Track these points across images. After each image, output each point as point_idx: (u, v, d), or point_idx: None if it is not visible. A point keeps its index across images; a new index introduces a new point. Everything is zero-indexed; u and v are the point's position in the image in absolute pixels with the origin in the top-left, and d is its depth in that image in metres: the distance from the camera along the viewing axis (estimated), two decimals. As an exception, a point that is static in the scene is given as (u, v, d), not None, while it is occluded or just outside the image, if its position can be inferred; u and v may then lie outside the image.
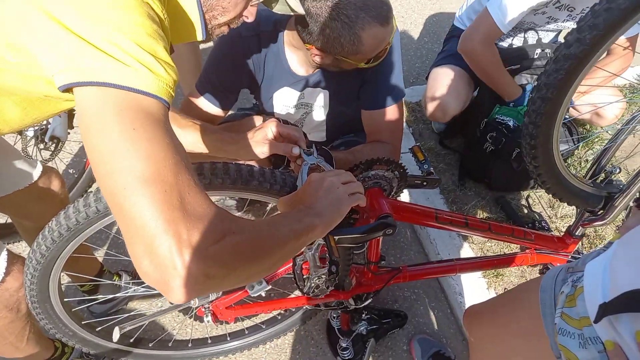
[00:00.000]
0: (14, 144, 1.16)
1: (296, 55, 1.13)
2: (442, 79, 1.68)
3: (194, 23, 0.73)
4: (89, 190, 1.70)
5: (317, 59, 1.04)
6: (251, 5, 0.80)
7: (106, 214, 0.82)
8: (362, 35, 0.95)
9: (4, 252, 0.92)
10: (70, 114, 1.43)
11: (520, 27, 1.64)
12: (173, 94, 0.57)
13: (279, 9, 0.88)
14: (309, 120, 1.32)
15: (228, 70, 1.14)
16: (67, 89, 0.52)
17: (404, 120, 2.01)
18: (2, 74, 0.60)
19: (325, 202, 0.72)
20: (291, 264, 1.08)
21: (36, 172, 1.11)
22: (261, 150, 0.92)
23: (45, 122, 1.35)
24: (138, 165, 0.47)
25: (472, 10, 1.71)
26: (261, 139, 0.92)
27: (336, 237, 0.87)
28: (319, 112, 1.29)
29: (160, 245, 0.46)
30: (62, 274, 0.95)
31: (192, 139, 0.97)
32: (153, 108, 0.52)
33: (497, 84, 1.59)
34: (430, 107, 1.70)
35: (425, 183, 1.09)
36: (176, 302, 0.50)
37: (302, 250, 1.00)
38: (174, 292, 0.47)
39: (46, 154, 1.42)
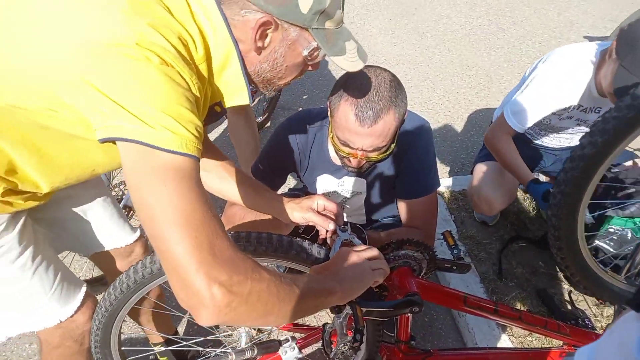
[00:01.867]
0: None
1: None
2: (487, 174, 1.77)
3: (242, 89, 0.80)
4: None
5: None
6: (312, 64, 0.85)
7: (159, 276, 0.95)
8: (339, 104, 1.09)
9: (83, 289, 1.05)
10: None
11: (553, 130, 1.73)
12: (199, 147, 0.64)
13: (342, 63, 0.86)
14: (349, 205, 1.45)
15: (278, 157, 1.32)
16: (105, 142, 0.62)
17: (447, 207, 2.10)
18: (64, 124, 0.71)
19: (349, 272, 0.82)
20: (321, 332, 1.14)
21: (134, 236, 1.22)
22: (301, 215, 1.03)
23: (121, 192, 1.56)
24: (170, 217, 0.58)
25: (500, 109, 1.84)
26: (306, 206, 1.03)
27: (364, 309, 0.95)
28: (358, 198, 1.41)
29: (193, 283, 0.58)
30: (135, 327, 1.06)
31: (230, 187, 1.08)
32: (179, 163, 0.61)
33: (511, 171, 1.65)
34: (477, 200, 1.78)
35: (454, 267, 1.15)
36: (204, 325, 0.62)
37: (332, 319, 1.08)
38: (202, 318, 0.60)
39: None
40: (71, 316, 1.03)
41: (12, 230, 0.87)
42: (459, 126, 2.81)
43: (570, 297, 1.67)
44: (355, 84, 1.08)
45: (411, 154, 1.25)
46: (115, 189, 1.82)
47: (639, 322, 0.51)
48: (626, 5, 4.18)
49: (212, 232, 0.61)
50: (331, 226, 1.02)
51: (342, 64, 0.81)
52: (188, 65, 0.65)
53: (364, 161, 1.15)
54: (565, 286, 1.78)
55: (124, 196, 1.56)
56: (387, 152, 1.15)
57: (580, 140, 0.94)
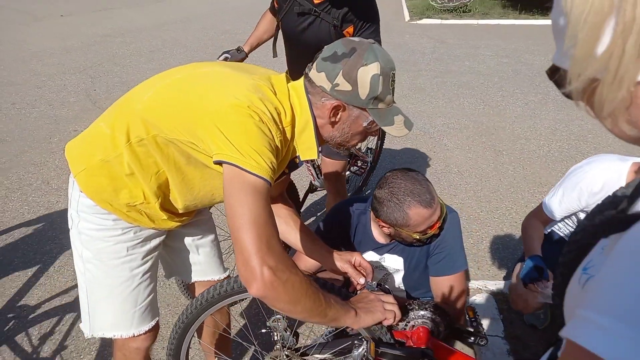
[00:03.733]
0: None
1: (378, 228, 1.56)
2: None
3: (313, 148, 1.12)
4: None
5: (384, 229, 1.45)
6: (371, 132, 1.15)
7: (234, 294, 1.25)
8: (409, 213, 1.35)
9: (157, 318, 1.36)
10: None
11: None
12: (272, 176, 0.95)
13: (392, 131, 1.12)
14: (390, 282, 1.67)
15: (330, 235, 1.63)
16: (218, 163, 0.96)
17: (497, 306, 2.18)
18: (199, 154, 1.05)
19: (364, 303, 1.06)
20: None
21: (225, 274, 1.55)
22: (340, 264, 1.31)
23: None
24: (246, 216, 0.90)
25: None
26: (346, 259, 1.31)
27: (379, 349, 1.15)
28: (397, 275, 1.63)
29: (251, 261, 0.88)
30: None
31: (292, 233, 1.35)
32: (257, 182, 0.92)
33: (525, 248, 1.75)
34: (514, 297, 1.87)
35: (472, 338, 1.31)
36: (253, 295, 0.90)
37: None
38: (252, 289, 0.89)
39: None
40: (136, 335, 1.29)
41: (146, 246, 1.26)
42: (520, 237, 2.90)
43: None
44: (400, 194, 1.37)
45: (443, 236, 1.48)
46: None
47: None
48: None
49: (270, 233, 0.92)
50: (362, 280, 1.27)
51: (390, 131, 1.11)
52: (276, 126, 1.01)
53: (439, 224, 1.41)
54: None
55: None
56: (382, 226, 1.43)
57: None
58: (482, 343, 1.30)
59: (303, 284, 0.94)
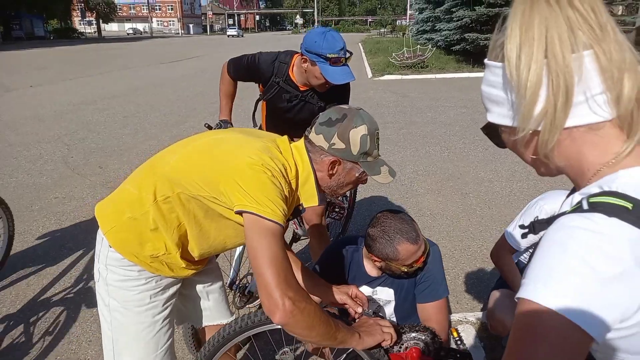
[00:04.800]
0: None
1: (371, 263, 1.76)
2: (499, 298, 2.08)
3: (314, 196, 1.31)
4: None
5: (376, 263, 1.65)
6: (362, 181, 1.34)
7: (258, 326, 1.35)
8: (398, 248, 1.56)
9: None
10: None
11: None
12: (285, 221, 1.11)
13: (379, 179, 1.33)
14: (382, 313, 1.84)
15: (327, 270, 1.81)
16: (239, 213, 1.14)
17: (477, 335, 2.35)
18: (219, 207, 1.21)
19: (365, 328, 1.24)
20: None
21: (232, 317, 1.66)
22: (339, 297, 1.47)
23: (246, 281, 2.07)
24: (266, 255, 1.07)
25: None
26: (343, 291, 1.48)
27: (379, 369, 1.31)
28: (389, 306, 1.81)
29: (273, 294, 1.04)
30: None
31: (295, 273, 1.47)
32: (273, 227, 1.08)
33: (509, 283, 1.96)
34: (492, 322, 2.06)
35: (458, 355, 1.48)
36: (276, 322, 1.05)
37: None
38: (276, 318, 1.04)
39: (240, 303, 2.16)
40: None
41: (166, 293, 1.40)
42: (495, 270, 3.13)
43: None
44: (390, 232, 1.57)
45: (427, 267, 1.68)
46: (243, 280, 2.38)
47: None
48: None
49: (287, 268, 1.10)
50: (359, 309, 1.45)
51: (378, 179, 1.33)
52: (284, 179, 1.20)
53: (424, 258, 1.61)
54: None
55: (247, 284, 2.14)
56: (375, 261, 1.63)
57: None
58: (467, 359, 1.48)
59: (317, 311, 1.11)
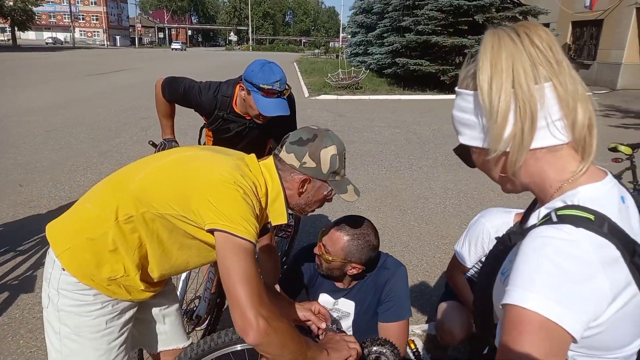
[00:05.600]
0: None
1: (341, 279, 1.78)
2: (447, 310, 2.20)
3: (283, 214, 1.31)
4: None
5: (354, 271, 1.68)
6: (328, 199, 1.38)
7: (227, 346, 1.32)
8: (330, 232, 1.66)
9: None
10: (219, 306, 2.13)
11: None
12: (257, 238, 1.11)
13: (346, 197, 1.37)
14: (339, 326, 1.87)
15: (293, 277, 1.84)
16: (210, 231, 1.12)
17: (424, 346, 2.45)
18: (187, 225, 1.18)
19: (331, 345, 1.27)
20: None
21: (188, 342, 1.60)
22: (302, 314, 1.48)
23: (194, 306, 1.99)
24: (239, 273, 1.06)
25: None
26: (306, 307, 1.49)
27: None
28: (347, 320, 1.85)
29: (247, 313, 1.03)
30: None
31: None
32: (246, 244, 1.08)
33: (465, 302, 2.10)
34: (441, 333, 2.17)
35: (416, 365, 1.54)
36: (250, 342, 1.04)
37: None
38: (250, 338, 1.03)
39: (188, 327, 2.06)
40: None
41: (122, 318, 1.33)
42: (434, 283, 3.29)
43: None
44: (350, 218, 1.65)
45: (391, 285, 1.73)
46: (190, 304, 2.31)
47: None
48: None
49: (260, 287, 1.09)
50: (323, 325, 1.47)
51: (345, 197, 1.37)
52: (255, 197, 1.20)
53: (322, 255, 1.65)
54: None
55: (195, 308, 2.07)
56: (331, 261, 1.65)
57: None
58: (425, 370, 1.54)
59: (289, 329, 1.11)
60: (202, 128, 2.69)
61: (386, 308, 1.73)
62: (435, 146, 7.38)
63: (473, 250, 2.10)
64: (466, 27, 12.91)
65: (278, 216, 1.32)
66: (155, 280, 1.36)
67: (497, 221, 2.08)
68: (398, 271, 1.75)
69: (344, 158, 1.35)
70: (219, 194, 1.14)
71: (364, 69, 16.03)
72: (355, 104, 12.23)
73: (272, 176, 1.31)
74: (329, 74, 15.43)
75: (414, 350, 1.57)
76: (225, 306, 2.42)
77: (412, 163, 6.35)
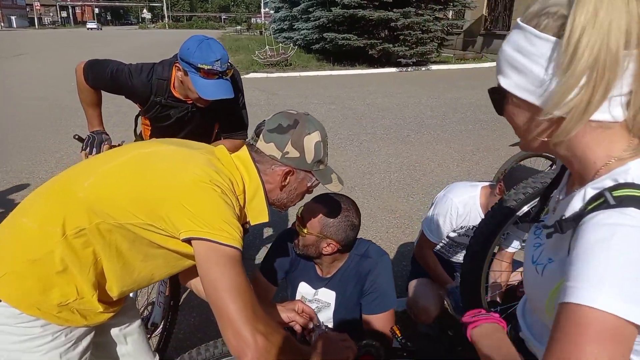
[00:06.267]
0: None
1: (320, 262, 1.67)
2: (419, 288, 2.18)
3: (264, 212, 1.17)
4: None
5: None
6: (310, 191, 1.27)
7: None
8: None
9: None
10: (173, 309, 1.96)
11: (457, 246, 2.26)
12: (242, 243, 0.98)
13: (331, 187, 1.25)
14: (321, 315, 1.77)
15: (273, 262, 1.71)
16: (187, 241, 0.96)
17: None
18: (154, 235, 1.02)
19: (330, 348, 1.16)
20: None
21: (156, 359, 1.44)
22: (286, 315, 1.37)
23: (147, 313, 1.78)
24: (229, 287, 0.92)
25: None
26: (290, 308, 1.38)
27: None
28: (327, 311, 1.75)
29: (242, 332, 0.90)
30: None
31: None
32: (233, 254, 0.95)
33: (437, 279, 2.12)
34: (416, 312, 2.15)
35: (405, 354, 1.49)
36: None
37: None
38: (247, 358, 0.90)
39: None
40: None
41: (79, 347, 1.13)
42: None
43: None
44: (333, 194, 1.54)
45: (375, 275, 1.64)
46: (143, 311, 2.13)
47: None
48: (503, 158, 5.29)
49: (253, 298, 0.96)
50: (310, 324, 1.36)
51: (330, 187, 1.25)
52: (234, 196, 1.05)
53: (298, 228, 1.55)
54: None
55: (149, 315, 1.88)
56: (303, 232, 1.55)
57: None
58: (413, 356, 1.49)
59: (288, 341, 1.00)
60: (137, 117, 2.41)
61: (370, 299, 1.64)
62: (372, 120, 7.42)
63: (442, 226, 2.08)
64: (391, 0, 13.00)
65: (258, 214, 1.18)
66: (114, 299, 1.17)
67: (465, 196, 2.07)
68: (381, 260, 1.67)
69: (327, 144, 1.22)
70: (195, 197, 0.97)
71: (292, 45, 15.72)
72: (286, 82, 11.99)
73: (248, 170, 1.15)
74: (256, 52, 14.96)
75: (400, 338, 1.51)
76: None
77: (352, 139, 6.33)
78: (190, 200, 0.97)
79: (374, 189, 4.56)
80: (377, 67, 13.70)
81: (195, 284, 1.41)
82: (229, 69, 1.98)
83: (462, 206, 2.04)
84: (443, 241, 2.27)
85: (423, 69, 13.88)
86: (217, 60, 1.90)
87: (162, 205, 0.99)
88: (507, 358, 0.87)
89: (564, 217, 0.69)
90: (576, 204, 0.70)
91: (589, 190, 0.68)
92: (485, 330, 0.96)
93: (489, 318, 0.98)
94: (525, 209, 1.40)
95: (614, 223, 0.60)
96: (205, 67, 1.88)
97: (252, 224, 1.20)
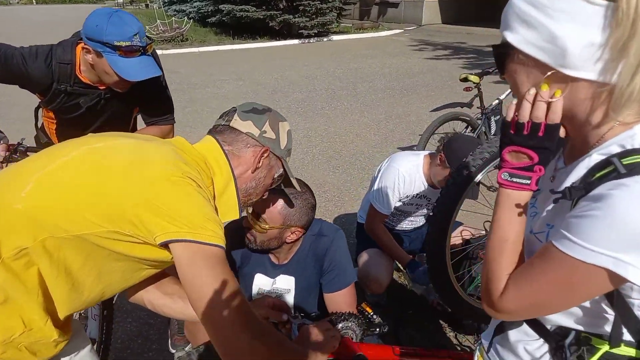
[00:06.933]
0: None
1: (278, 251, 1.59)
2: (370, 258, 2.20)
3: (235, 207, 1.07)
4: None
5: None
6: (272, 184, 1.18)
7: None
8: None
9: None
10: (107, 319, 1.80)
11: (403, 215, 2.31)
12: (225, 240, 0.89)
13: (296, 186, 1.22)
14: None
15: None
16: (164, 245, 0.84)
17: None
18: (118, 244, 0.88)
19: (318, 342, 1.12)
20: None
21: None
22: (259, 312, 1.28)
23: (84, 324, 1.62)
24: (220, 292, 0.83)
25: (363, 211, 2.38)
26: (260, 305, 1.30)
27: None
28: (289, 295, 1.68)
29: (240, 340, 0.82)
30: None
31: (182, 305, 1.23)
32: (219, 253, 0.86)
33: (391, 253, 2.16)
34: (368, 283, 2.17)
35: (377, 330, 1.49)
36: None
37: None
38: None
39: None
40: None
41: None
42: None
43: (457, 339, 2.11)
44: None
45: (332, 253, 1.60)
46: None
47: None
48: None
49: (245, 300, 0.87)
50: (285, 317, 1.29)
51: (295, 185, 1.19)
52: (207, 190, 0.94)
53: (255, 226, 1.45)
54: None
55: (86, 330, 1.67)
56: (263, 228, 1.45)
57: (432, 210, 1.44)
58: (385, 330, 1.50)
59: (283, 342, 0.93)
60: (37, 109, 2.06)
61: (331, 277, 1.61)
62: (284, 95, 7.30)
63: (391, 197, 2.10)
64: (287, -30, 12.73)
65: (228, 211, 1.07)
66: (62, 319, 1.00)
67: (409, 164, 2.10)
68: (336, 236, 1.64)
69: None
70: (169, 194, 0.85)
71: (185, 19, 14.78)
72: (185, 58, 11.30)
73: (218, 161, 1.03)
74: (147, 27, 13.84)
75: (371, 314, 1.51)
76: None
77: (267, 115, 6.19)
78: (163, 198, 0.84)
79: (298, 164, 4.51)
80: (279, 40, 13.44)
81: (146, 297, 1.24)
82: (148, 43, 1.75)
83: (407, 175, 2.07)
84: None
85: (325, 39, 13.90)
86: (136, 35, 1.67)
87: (129, 207, 0.84)
88: None
89: (573, 184, 0.69)
90: (582, 171, 0.70)
91: (595, 156, 0.69)
92: None
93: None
94: (480, 177, 1.45)
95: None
96: (124, 44, 1.64)
97: (222, 220, 1.08)
